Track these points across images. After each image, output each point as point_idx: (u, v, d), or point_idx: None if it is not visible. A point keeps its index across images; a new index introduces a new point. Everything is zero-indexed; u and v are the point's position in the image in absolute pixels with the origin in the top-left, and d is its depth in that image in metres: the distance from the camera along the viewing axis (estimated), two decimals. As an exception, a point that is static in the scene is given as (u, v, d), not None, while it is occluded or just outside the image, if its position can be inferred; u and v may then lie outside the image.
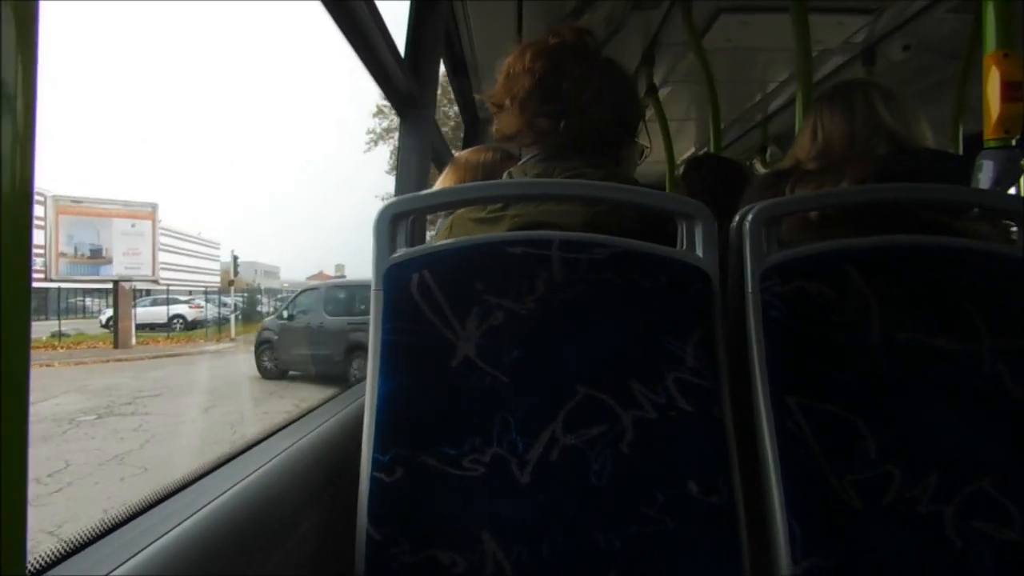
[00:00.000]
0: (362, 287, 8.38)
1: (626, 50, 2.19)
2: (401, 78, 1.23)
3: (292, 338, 8.63)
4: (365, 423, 0.67)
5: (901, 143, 0.85)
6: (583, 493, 0.64)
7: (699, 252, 0.70)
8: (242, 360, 9.14)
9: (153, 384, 8.50)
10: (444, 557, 0.63)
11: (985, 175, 0.85)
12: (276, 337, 8.80)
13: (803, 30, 1.42)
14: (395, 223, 0.71)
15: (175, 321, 15.94)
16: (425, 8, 1.41)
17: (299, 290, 10.18)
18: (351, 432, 0.75)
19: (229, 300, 16.91)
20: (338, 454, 0.77)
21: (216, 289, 18.62)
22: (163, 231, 14.99)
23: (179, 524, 0.50)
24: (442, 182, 1.20)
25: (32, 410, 0.32)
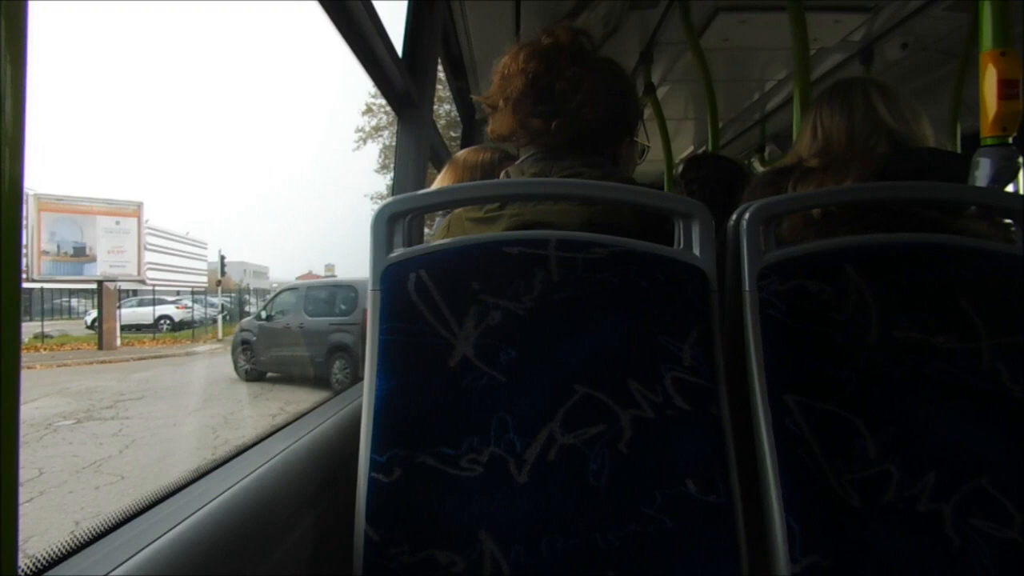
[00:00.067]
0: (342, 287, 8.27)
1: (624, 49, 2.20)
2: (398, 77, 1.22)
3: (271, 339, 8.37)
4: (363, 423, 0.67)
5: (900, 141, 0.85)
6: (581, 492, 0.64)
7: (696, 251, 0.70)
8: (229, 362, 9.00)
9: (136, 386, 8.34)
10: (442, 557, 0.63)
11: (982, 173, 0.85)
12: (254, 338, 8.57)
13: (800, 29, 1.42)
14: (392, 223, 0.71)
15: (162, 322, 15.83)
16: (423, 7, 1.40)
17: (277, 290, 9.95)
18: (349, 433, 0.75)
19: (216, 301, 16.82)
20: (336, 455, 0.77)
21: (203, 289, 18.55)
22: (150, 231, 14.84)
23: (177, 525, 0.50)
24: (440, 182, 1.20)
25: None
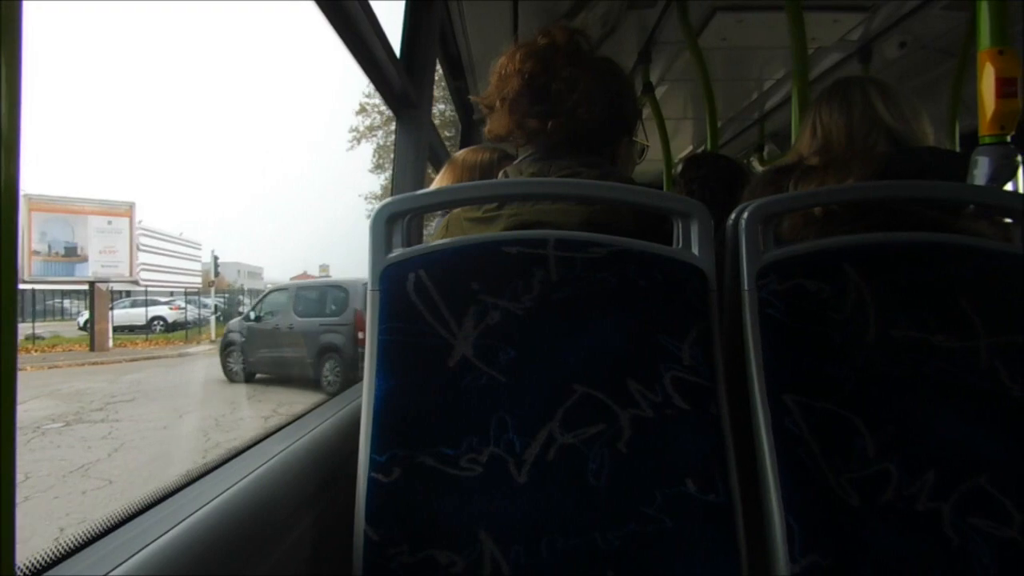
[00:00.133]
0: (333, 287, 8.18)
1: (622, 49, 2.20)
2: (397, 78, 1.22)
3: (260, 340, 8.14)
4: (362, 423, 0.67)
5: (899, 139, 0.85)
6: (581, 492, 0.64)
7: (695, 251, 0.70)
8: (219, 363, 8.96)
9: (127, 388, 8.22)
10: (442, 557, 0.63)
11: (981, 171, 0.85)
12: (242, 339, 8.39)
13: (799, 28, 1.42)
14: (391, 223, 0.71)
15: (155, 323, 15.69)
16: (420, 7, 1.40)
17: (267, 291, 9.78)
18: (348, 433, 0.75)
19: (210, 301, 16.71)
20: (335, 455, 0.77)
21: (197, 290, 18.45)
22: (142, 231, 14.74)
23: (176, 525, 0.50)
24: (439, 182, 1.20)
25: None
